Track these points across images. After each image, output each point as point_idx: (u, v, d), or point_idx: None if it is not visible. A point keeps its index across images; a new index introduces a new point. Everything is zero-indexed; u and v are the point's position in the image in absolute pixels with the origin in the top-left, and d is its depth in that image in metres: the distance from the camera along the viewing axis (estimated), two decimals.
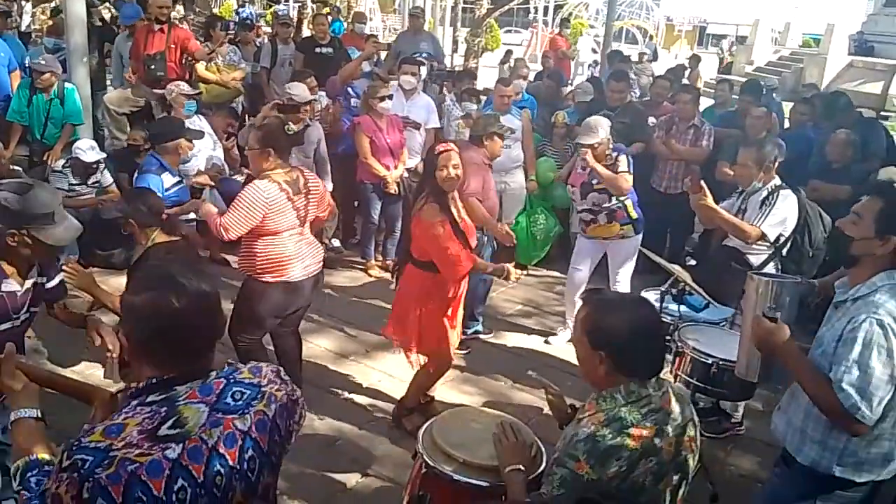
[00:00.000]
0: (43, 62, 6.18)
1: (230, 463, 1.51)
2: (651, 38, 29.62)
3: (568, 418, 2.29)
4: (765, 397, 4.26)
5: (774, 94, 9.38)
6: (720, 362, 3.39)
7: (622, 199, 4.79)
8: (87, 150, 5.61)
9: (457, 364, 4.45)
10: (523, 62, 9.39)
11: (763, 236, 4.01)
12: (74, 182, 5.66)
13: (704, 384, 3.46)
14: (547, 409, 4.17)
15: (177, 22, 8.04)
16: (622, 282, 4.99)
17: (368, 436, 3.97)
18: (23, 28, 12.57)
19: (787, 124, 7.24)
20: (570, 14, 27.23)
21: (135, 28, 7.16)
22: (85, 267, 5.50)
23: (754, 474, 3.91)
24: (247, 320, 3.85)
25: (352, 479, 3.63)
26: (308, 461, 3.60)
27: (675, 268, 3.83)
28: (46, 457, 1.66)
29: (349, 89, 6.68)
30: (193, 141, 5.01)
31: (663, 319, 3.70)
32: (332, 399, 4.29)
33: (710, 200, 4.03)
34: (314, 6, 16.51)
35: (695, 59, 14.43)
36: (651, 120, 6.60)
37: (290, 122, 5.37)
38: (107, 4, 8.47)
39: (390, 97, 5.88)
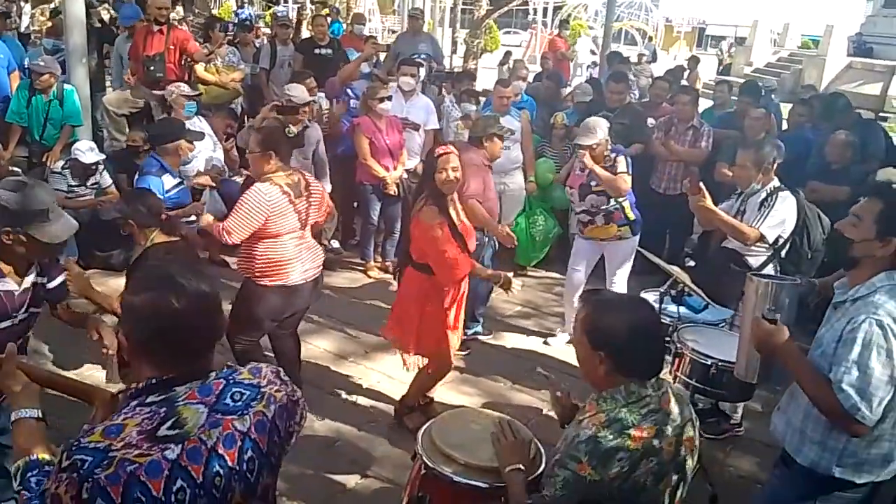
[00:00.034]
0: (42, 63, 6.18)
1: (229, 464, 1.51)
2: (650, 39, 29.66)
3: (570, 417, 2.29)
4: (764, 398, 4.26)
5: (773, 96, 9.39)
6: (719, 363, 3.38)
7: (620, 200, 4.80)
8: (86, 151, 5.61)
9: (456, 365, 4.44)
10: (522, 63, 9.40)
11: (762, 238, 4.01)
12: (73, 183, 5.66)
13: (703, 385, 3.46)
14: (546, 410, 4.20)
15: (176, 23, 8.05)
16: (618, 283, 4.99)
17: (368, 437, 3.97)
18: (22, 29, 12.55)
19: (785, 125, 7.25)
20: (569, 15, 27.30)
21: (134, 29, 7.16)
22: (84, 268, 5.56)
23: (753, 475, 3.91)
24: (244, 322, 3.84)
25: (351, 481, 3.63)
26: (307, 462, 3.60)
27: (675, 269, 3.83)
28: (47, 457, 1.66)
29: (348, 90, 6.68)
30: (194, 142, 5.01)
31: (662, 320, 3.70)
32: (331, 400, 4.28)
33: (708, 202, 4.03)
34: (313, 7, 16.51)
35: (694, 61, 14.46)
36: (650, 121, 6.60)
37: (289, 124, 5.38)
38: (106, 5, 8.48)
39: (389, 98, 5.87)
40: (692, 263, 6.18)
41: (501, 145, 4.80)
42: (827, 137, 5.75)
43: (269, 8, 22.53)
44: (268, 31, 13.49)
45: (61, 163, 5.73)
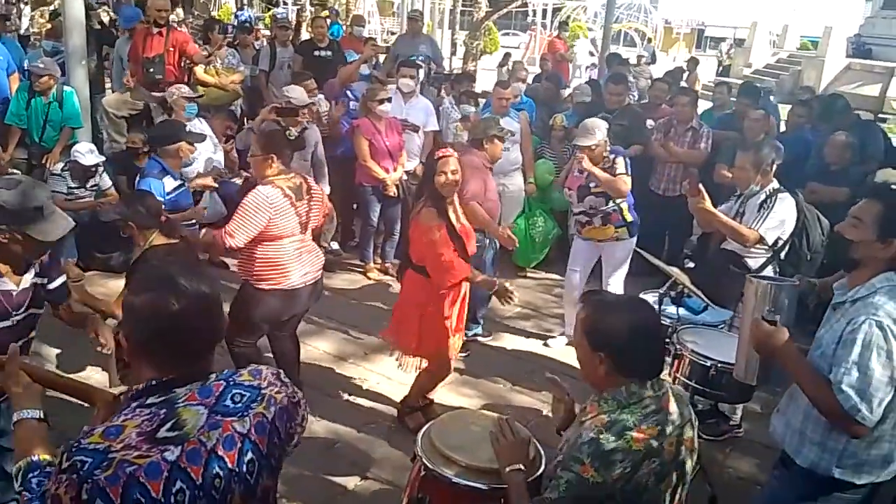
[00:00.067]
0: (41, 65, 6.18)
1: (229, 465, 1.51)
2: (649, 40, 29.65)
3: (568, 424, 2.28)
4: (763, 399, 4.26)
5: (771, 97, 9.40)
6: (719, 365, 3.38)
7: (618, 201, 4.80)
8: (85, 153, 5.61)
9: (456, 366, 4.44)
10: (521, 65, 9.40)
11: (761, 239, 4.01)
12: (73, 185, 5.65)
13: (703, 386, 3.45)
14: (546, 411, 4.20)
15: (175, 25, 8.06)
16: (614, 285, 4.98)
17: (367, 438, 3.97)
18: (22, 31, 12.58)
19: (784, 127, 7.25)
20: (569, 17, 27.33)
21: (134, 31, 7.16)
22: (83, 270, 5.57)
23: (753, 476, 3.91)
24: (242, 325, 3.83)
25: (351, 482, 3.63)
26: (307, 464, 3.59)
27: (674, 270, 3.83)
28: (48, 458, 1.66)
29: (348, 92, 6.69)
30: (194, 144, 5.01)
31: (662, 321, 3.70)
32: (330, 402, 4.28)
33: (708, 203, 4.03)
34: (313, 9, 16.55)
35: (693, 62, 14.49)
36: (649, 122, 6.61)
37: (289, 126, 5.37)
38: (105, 7, 8.49)
39: (389, 100, 5.88)
40: (691, 265, 6.14)
41: (502, 147, 4.80)
42: (826, 139, 5.75)
43: (269, 10, 22.58)
44: (267, 32, 13.50)
45: (61, 165, 5.73)
